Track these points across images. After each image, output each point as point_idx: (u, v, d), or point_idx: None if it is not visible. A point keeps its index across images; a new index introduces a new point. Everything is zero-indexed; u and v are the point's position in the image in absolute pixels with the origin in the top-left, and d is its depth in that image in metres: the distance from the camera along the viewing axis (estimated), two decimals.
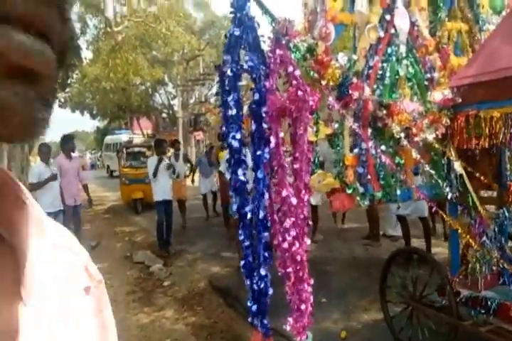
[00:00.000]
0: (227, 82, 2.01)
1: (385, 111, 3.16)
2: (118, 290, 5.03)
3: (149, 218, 9.23)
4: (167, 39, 18.21)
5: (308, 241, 2.14)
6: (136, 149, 11.32)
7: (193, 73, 24.39)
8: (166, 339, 3.69)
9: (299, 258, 2.05)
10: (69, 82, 11.67)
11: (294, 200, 2.02)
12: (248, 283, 2.20)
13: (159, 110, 29.93)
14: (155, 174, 6.19)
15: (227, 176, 4.98)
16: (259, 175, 1.94)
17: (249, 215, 2.09)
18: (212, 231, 7.45)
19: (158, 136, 17.75)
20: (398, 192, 2.77)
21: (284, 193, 2.01)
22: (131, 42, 16.82)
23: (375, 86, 3.26)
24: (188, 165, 9.10)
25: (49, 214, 3.98)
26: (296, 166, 2.08)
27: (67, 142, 6.04)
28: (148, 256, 6.11)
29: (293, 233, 2.02)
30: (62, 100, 12.87)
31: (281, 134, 2.08)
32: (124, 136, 17.56)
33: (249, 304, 2.23)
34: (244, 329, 3.87)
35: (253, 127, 2.02)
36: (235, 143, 1.97)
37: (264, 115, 1.97)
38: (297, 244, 2.04)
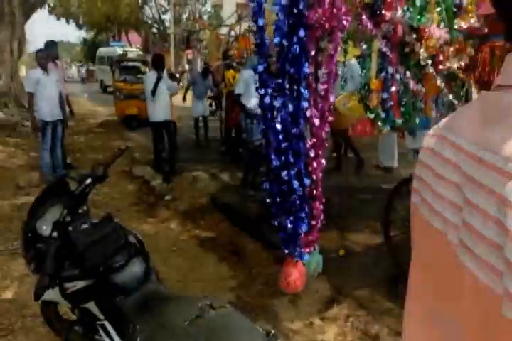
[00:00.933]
0: None
1: (414, 35, 3.06)
2: (120, 201, 5.20)
3: (145, 134, 9.15)
4: None
5: (323, 162, 2.21)
6: (131, 64, 10.80)
7: None
8: (172, 248, 3.94)
9: (314, 177, 2.13)
10: None
11: (317, 121, 2.03)
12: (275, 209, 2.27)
13: (149, 24, 28.07)
14: (154, 92, 5.82)
15: (247, 100, 4.89)
16: (303, 90, 1.90)
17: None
18: (208, 153, 7.55)
19: (151, 50, 16.77)
20: (417, 120, 2.80)
21: (308, 113, 2.01)
22: None
23: (405, 7, 3.12)
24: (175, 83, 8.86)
25: (47, 123, 3.97)
26: (322, 87, 2.05)
27: (50, 47, 5.68)
28: (148, 171, 6.22)
29: (312, 154, 2.07)
30: (52, 5, 11.84)
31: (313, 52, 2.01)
32: (119, 49, 16.23)
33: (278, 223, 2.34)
34: (247, 243, 4.14)
35: (284, 41, 1.91)
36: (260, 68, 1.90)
37: (302, 31, 1.86)
38: (315, 164, 2.11)
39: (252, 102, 4.93)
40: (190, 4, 22.29)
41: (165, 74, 6.25)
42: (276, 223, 2.31)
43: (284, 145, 2.04)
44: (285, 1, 1.82)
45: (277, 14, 1.85)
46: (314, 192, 2.16)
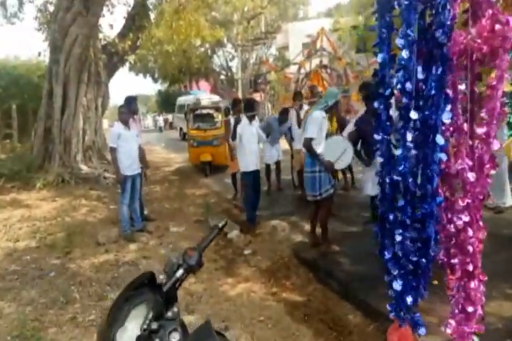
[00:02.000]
0: (403, 12, 1.45)
1: None
2: None
3: (218, 180, 9.10)
4: None
5: (482, 226, 1.63)
6: (204, 111, 11.02)
7: (253, 32, 23.43)
8: (259, 317, 3.45)
9: (470, 248, 1.57)
10: (138, 44, 11.45)
11: (471, 176, 1.51)
12: (392, 265, 1.72)
13: (217, 72, 29.55)
14: (234, 137, 5.55)
15: (318, 145, 4.41)
16: (439, 141, 1.42)
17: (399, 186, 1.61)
18: (284, 199, 7.09)
19: (220, 96, 17.13)
20: None
21: (459, 165, 1.50)
22: (193, 2, 16.22)
23: None
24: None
25: (127, 177, 3.71)
26: (481, 130, 1.54)
27: (130, 103, 5.74)
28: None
29: (466, 218, 1.53)
30: (132, 62, 12.76)
31: (463, 86, 1.53)
32: (200, 96, 16.44)
33: (395, 287, 1.76)
34: (343, 310, 3.53)
35: (422, 75, 1.47)
36: (405, 99, 1.44)
37: (446, 59, 1.42)
38: (470, 231, 1.55)
39: (322, 147, 4.52)
40: (256, 49, 23.12)
41: (256, 119, 5.96)
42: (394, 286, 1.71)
43: (405, 204, 1.53)
44: (412, 33, 1.40)
45: (401, 48, 1.43)
46: (471, 267, 1.58)
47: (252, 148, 5.54)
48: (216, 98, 15.03)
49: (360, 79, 7.77)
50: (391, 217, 1.55)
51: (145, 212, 6.24)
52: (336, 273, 4.10)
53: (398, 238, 1.52)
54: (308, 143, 4.45)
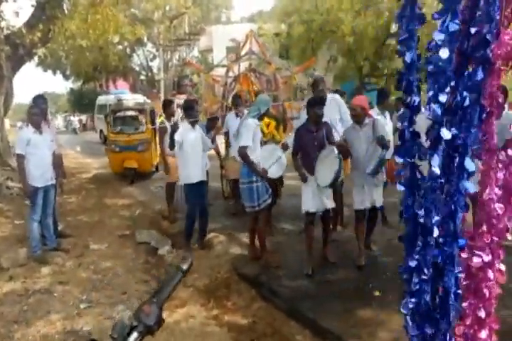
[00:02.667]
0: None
1: None
2: (125, 279, 4.33)
3: (143, 189, 8.43)
4: None
5: (503, 268, 1.43)
6: (128, 113, 10.03)
7: (176, 33, 22.70)
8: None
9: (486, 293, 1.37)
10: (50, 36, 10.23)
11: (498, 207, 1.31)
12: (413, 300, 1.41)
13: (137, 71, 28.20)
14: (172, 145, 4.88)
15: (252, 154, 4.08)
16: (468, 166, 1.16)
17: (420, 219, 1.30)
18: (217, 210, 6.59)
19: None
20: None
21: (487, 195, 1.29)
22: None
23: None
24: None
25: (38, 189, 3.03)
26: None
27: (41, 103, 5.00)
28: (155, 236, 5.38)
29: (487, 257, 1.32)
30: (42, 57, 11.39)
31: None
32: (123, 96, 14.15)
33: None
34: (291, 331, 3.30)
35: (453, 82, 1.21)
36: (437, 110, 1.17)
37: (488, 62, 1.17)
38: (490, 273, 1.36)
39: (257, 155, 4.28)
40: (179, 50, 22.39)
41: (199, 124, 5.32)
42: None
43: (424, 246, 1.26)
44: (457, 26, 1.13)
45: (438, 47, 1.16)
46: (483, 314, 1.36)
47: (196, 157, 4.81)
48: (141, 98, 13.80)
49: (289, 86, 7.62)
50: (412, 263, 1.26)
51: (59, 228, 5.46)
52: (280, 290, 3.87)
53: (414, 287, 1.25)
54: (243, 151, 4.18)
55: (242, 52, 7.55)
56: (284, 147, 4.77)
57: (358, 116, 4.02)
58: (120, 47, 22.80)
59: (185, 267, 1.27)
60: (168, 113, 6.30)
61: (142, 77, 28.17)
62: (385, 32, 13.76)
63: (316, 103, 4.05)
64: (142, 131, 9.20)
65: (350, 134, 4.10)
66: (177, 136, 4.80)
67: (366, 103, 4.13)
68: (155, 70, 27.05)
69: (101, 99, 19.81)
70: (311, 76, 7.77)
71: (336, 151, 3.83)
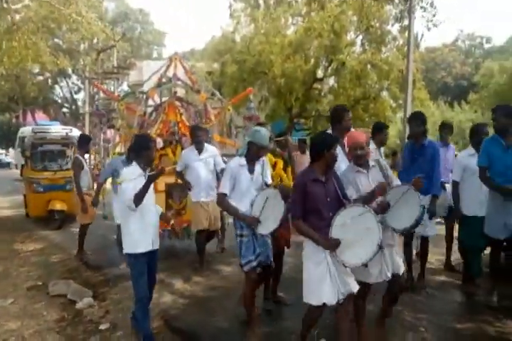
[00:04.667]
0: None
1: None
2: None
3: (61, 230, 7.55)
4: (76, 25, 16.11)
5: None
6: (53, 147, 8.83)
7: (103, 66, 22.10)
8: None
9: None
10: None
11: None
12: None
13: (59, 104, 26.76)
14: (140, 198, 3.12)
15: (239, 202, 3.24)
16: None
17: None
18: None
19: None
20: None
21: None
22: (31, 24, 14.31)
23: None
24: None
25: None
26: None
27: None
28: (72, 287, 4.67)
29: None
30: None
31: None
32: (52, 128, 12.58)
33: None
34: None
35: None
36: None
37: None
38: None
39: (246, 204, 3.39)
40: (106, 83, 21.68)
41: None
42: None
43: None
44: None
45: None
46: None
47: (149, 218, 3.32)
48: (70, 131, 11.92)
49: (223, 116, 6.52)
50: None
51: None
52: None
53: None
54: (221, 199, 3.42)
55: (165, 78, 6.36)
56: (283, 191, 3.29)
57: (365, 158, 3.11)
58: (41, 77, 21.61)
59: None
60: (83, 150, 5.85)
61: (65, 110, 26.72)
62: (312, 76, 14.56)
63: (334, 142, 2.89)
64: (69, 167, 8.22)
65: (355, 181, 3.08)
66: (128, 191, 3.13)
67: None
68: (80, 103, 25.86)
69: (24, 131, 17.79)
70: (248, 108, 7.19)
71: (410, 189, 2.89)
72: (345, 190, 2.95)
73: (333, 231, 2.69)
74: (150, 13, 42.48)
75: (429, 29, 12.41)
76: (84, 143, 5.94)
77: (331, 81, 15.86)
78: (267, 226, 3.25)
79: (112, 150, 6.40)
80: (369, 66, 14.08)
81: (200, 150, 5.15)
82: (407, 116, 11.07)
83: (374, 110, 14.28)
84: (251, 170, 3.45)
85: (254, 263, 3.36)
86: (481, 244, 4.19)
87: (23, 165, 12.59)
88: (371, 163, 3.17)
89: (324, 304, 2.72)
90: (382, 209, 2.87)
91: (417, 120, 4.32)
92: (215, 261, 5.57)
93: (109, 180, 5.81)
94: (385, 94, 14.77)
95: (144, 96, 6.22)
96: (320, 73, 15.26)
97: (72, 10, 14.82)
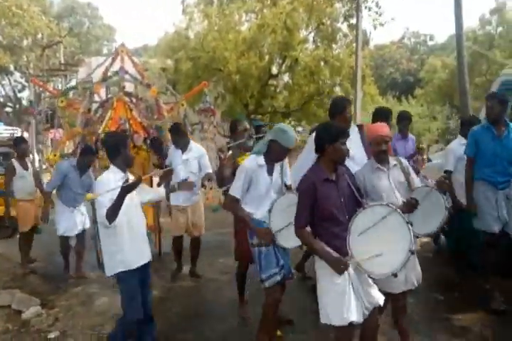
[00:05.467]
0: None
1: None
2: None
3: (8, 238, 7.05)
4: (17, 19, 15.26)
5: None
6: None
7: (49, 62, 21.00)
8: None
9: None
10: None
11: None
12: None
13: (2, 103, 25.18)
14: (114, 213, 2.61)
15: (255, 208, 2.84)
16: None
17: None
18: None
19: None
20: None
21: None
22: None
23: None
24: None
25: None
26: None
27: None
28: (17, 297, 4.37)
29: None
30: None
31: None
32: None
33: None
34: None
35: None
36: None
37: None
38: None
39: (263, 210, 2.95)
40: (53, 81, 20.61)
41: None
42: None
43: None
44: None
45: None
46: None
47: (138, 226, 2.93)
48: (12, 132, 10.71)
49: (177, 112, 6.11)
50: None
51: None
52: None
53: None
54: (230, 203, 2.97)
55: (111, 72, 5.81)
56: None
57: (385, 154, 2.80)
58: None
59: None
60: (19, 152, 5.34)
61: (8, 109, 25.20)
62: (267, 73, 14.61)
63: (340, 133, 2.43)
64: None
65: (373, 180, 2.77)
66: (104, 204, 2.64)
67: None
68: (24, 102, 24.46)
69: None
70: (203, 102, 6.62)
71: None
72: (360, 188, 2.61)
73: (351, 239, 2.24)
74: (98, 7, 40.85)
75: (375, 28, 12.85)
76: (18, 145, 5.35)
77: (286, 77, 16.01)
78: (290, 238, 2.65)
79: (53, 151, 5.67)
80: (322, 62, 14.33)
81: (183, 149, 4.64)
82: (357, 110, 11.42)
83: (328, 105, 14.55)
84: (270, 171, 2.97)
85: (279, 278, 2.86)
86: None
87: None
88: (392, 161, 2.86)
89: (351, 323, 2.26)
90: (410, 207, 2.47)
91: (381, 116, 3.91)
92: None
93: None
94: (337, 89, 15.10)
95: (88, 92, 5.73)
96: (275, 70, 15.36)
97: (11, 3, 14.00)
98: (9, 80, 23.32)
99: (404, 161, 2.96)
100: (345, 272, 2.26)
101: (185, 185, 3.44)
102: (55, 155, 5.34)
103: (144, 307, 2.91)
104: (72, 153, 5.62)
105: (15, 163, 5.30)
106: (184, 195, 4.49)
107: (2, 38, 20.67)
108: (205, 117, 6.29)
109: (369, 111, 15.17)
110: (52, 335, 3.67)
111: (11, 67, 21.42)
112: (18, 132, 11.16)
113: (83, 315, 4.01)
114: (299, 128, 17.77)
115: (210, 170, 4.67)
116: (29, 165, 5.43)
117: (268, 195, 2.96)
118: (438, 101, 25.33)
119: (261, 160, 2.94)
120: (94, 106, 5.85)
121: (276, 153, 2.92)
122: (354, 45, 12.75)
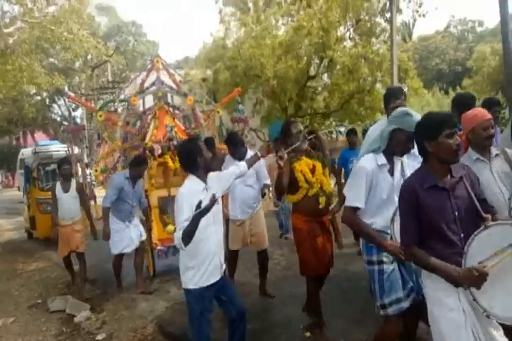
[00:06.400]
0: None
1: None
2: None
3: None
4: (68, 43, 16.24)
5: None
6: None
7: (98, 81, 22.30)
8: None
9: None
10: None
11: None
12: None
13: (58, 122, 27.01)
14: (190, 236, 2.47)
15: None
16: None
17: None
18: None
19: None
20: None
21: None
22: (24, 46, 14.44)
23: None
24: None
25: None
26: None
27: None
28: (70, 302, 4.67)
29: None
30: None
31: None
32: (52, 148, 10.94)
33: None
34: None
35: None
36: None
37: None
38: None
39: (384, 220, 2.44)
40: (103, 99, 21.85)
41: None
42: None
43: None
44: None
45: None
46: None
47: (211, 243, 2.69)
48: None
49: (213, 120, 6.16)
50: None
51: None
52: None
53: None
54: (350, 215, 2.45)
55: (148, 83, 5.74)
56: None
57: (489, 140, 2.42)
58: (38, 97, 21.87)
59: None
60: (62, 174, 5.07)
61: (65, 128, 27.01)
62: (305, 75, 14.54)
63: (442, 123, 1.89)
64: None
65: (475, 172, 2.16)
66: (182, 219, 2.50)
67: None
68: (78, 120, 26.12)
69: (24, 153, 17.55)
70: (236, 110, 6.34)
71: None
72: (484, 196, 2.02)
73: (468, 263, 1.74)
74: (142, 24, 42.65)
75: (415, 20, 12.37)
76: (60, 167, 5.06)
77: (324, 78, 15.84)
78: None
79: (94, 167, 5.65)
80: (361, 60, 14.01)
81: (240, 160, 3.95)
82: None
83: (369, 103, 14.20)
84: (391, 171, 2.47)
85: (405, 304, 2.31)
86: None
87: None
88: (494, 151, 2.46)
89: None
90: None
91: (468, 102, 3.20)
92: None
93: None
94: (378, 86, 14.68)
95: (126, 105, 5.77)
96: (312, 71, 15.24)
97: (64, 29, 14.97)
98: (64, 101, 25.03)
99: (510, 151, 2.50)
100: (460, 309, 1.78)
101: None
102: (96, 171, 5.42)
103: (233, 305, 2.78)
104: (112, 167, 5.66)
105: (57, 185, 5.06)
106: (241, 208, 4.24)
107: (57, 62, 22.27)
108: (238, 126, 6.32)
109: (413, 105, 14.54)
110: (100, 337, 3.89)
111: (66, 88, 22.95)
112: (75, 149, 11.67)
113: (127, 318, 4.21)
114: (341, 129, 17.45)
115: (269, 181, 4.33)
116: (72, 187, 5.04)
117: (390, 199, 2.40)
118: (489, 90, 23.84)
119: (382, 158, 2.43)
120: (132, 119, 5.94)
121: (402, 144, 2.39)
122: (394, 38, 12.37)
